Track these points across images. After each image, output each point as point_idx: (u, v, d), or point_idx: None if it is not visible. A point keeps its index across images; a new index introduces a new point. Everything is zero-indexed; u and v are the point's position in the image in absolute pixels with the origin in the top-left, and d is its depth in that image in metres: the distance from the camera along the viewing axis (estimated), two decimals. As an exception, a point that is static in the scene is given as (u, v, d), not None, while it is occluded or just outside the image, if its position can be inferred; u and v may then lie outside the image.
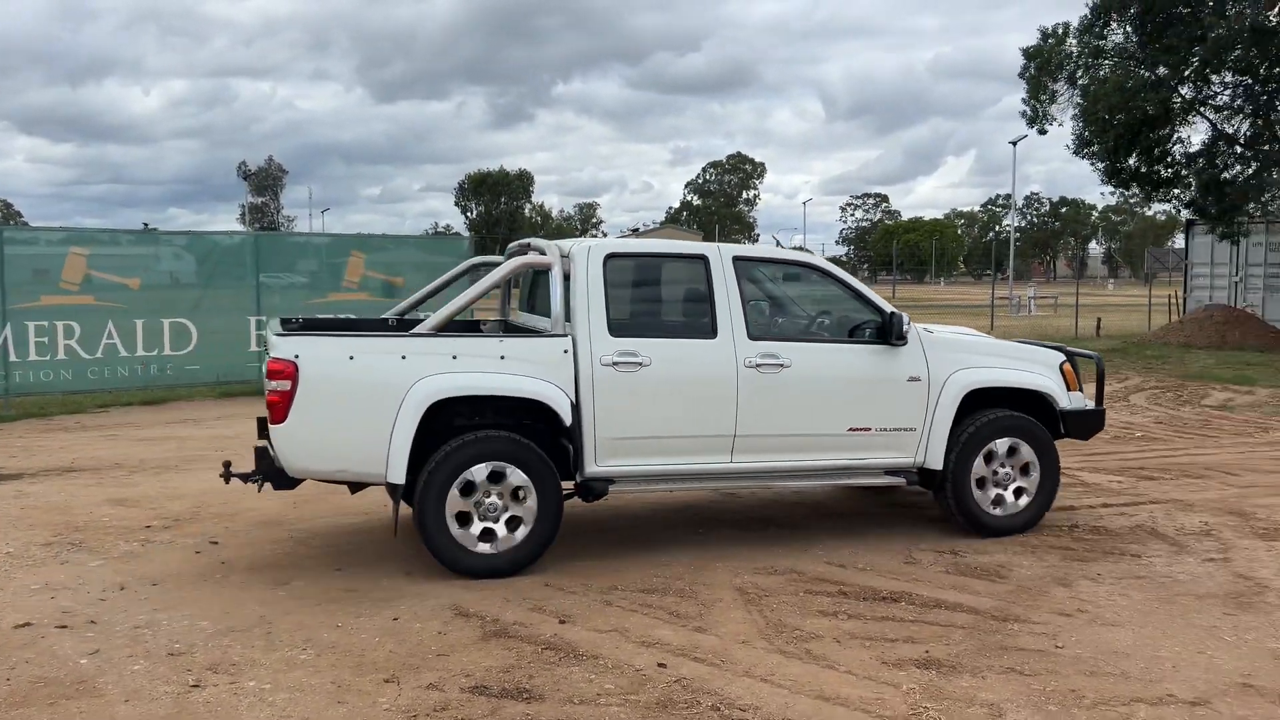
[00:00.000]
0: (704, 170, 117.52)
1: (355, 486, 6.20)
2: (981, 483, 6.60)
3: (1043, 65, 22.19)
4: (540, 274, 6.53)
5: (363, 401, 5.57)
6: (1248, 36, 18.91)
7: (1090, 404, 7.07)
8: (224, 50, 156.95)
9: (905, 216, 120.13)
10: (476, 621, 5.12)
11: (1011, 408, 6.72)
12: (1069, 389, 6.91)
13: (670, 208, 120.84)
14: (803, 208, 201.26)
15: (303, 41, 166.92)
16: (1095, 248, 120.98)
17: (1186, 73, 20.79)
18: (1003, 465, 6.65)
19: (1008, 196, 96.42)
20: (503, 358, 5.77)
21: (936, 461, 6.48)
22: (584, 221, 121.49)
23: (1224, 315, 22.83)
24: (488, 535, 5.75)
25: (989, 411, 6.61)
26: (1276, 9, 18.54)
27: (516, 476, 5.74)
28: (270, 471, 5.84)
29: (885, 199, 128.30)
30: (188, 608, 5.29)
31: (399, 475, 5.56)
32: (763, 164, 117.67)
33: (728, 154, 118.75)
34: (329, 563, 6.15)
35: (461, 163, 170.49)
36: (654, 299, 6.66)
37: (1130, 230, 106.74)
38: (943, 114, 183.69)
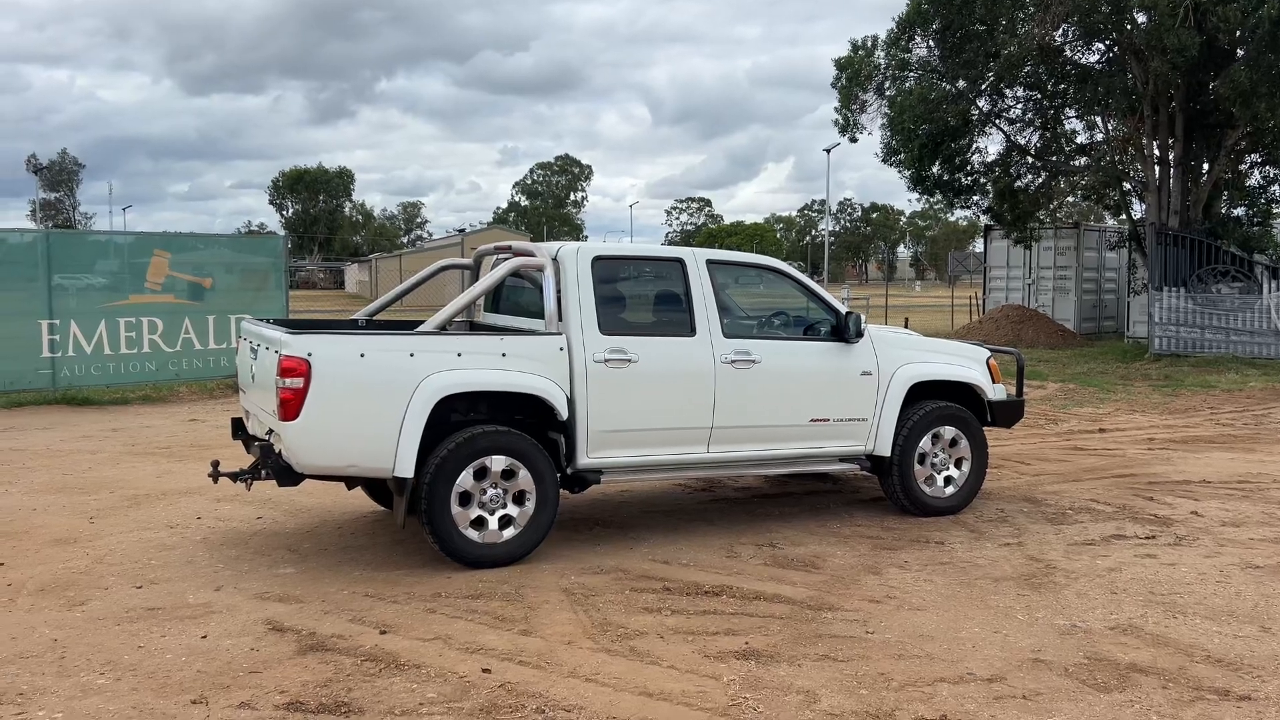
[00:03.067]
0: (532, 171, 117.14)
1: (352, 482, 6.50)
2: (923, 468, 7.27)
3: (853, 76, 23.18)
4: (512, 276, 6.89)
5: (374, 398, 5.74)
6: (1036, 54, 20.33)
7: (1011, 395, 7.87)
8: (12, 34, 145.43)
9: (728, 220, 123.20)
10: (292, 636, 4.93)
11: (947, 399, 7.39)
12: (994, 382, 7.64)
13: (498, 208, 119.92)
14: (629, 210, 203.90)
15: (104, 29, 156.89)
16: (904, 251, 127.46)
17: (983, 86, 22.16)
18: (941, 451, 7.34)
19: (823, 202, 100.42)
20: (504, 355, 6.04)
21: (885, 448, 7.09)
22: (408, 221, 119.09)
23: (1018, 314, 24.48)
24: (490, 525, 5.99)
25: (929, 403, 7.26)
26: (1060, 29, 20.00)
27: (518, 468, 6.02)
28: (276, 468, 5.86)
29: (709, 203, 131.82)
30: (-33, 636, 4.88)
31: (408, 469, 5.74)
32: (590, 166, 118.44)
33: (556, 155, 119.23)
34: (130, 580, 5.79)
35: (277, 159, 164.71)
36: (637, 299, 7.10)
37: (935, 235, 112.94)
38: (762, 121, 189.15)
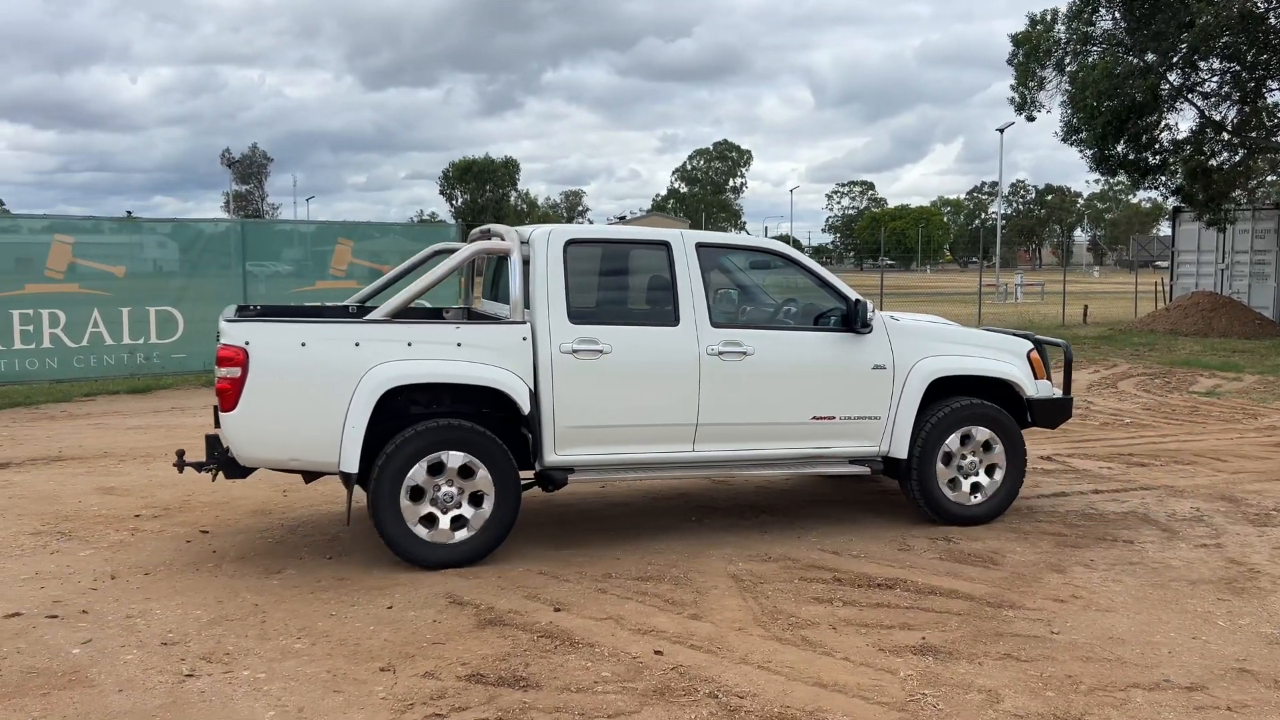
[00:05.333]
0: (691, 158, 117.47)
1: (309, 475, 6.13)
2: (947, 471, 6.57)
3: (1031, 52, 22.18)
4: (503, 260, 6.45)
5: (315, 389, 5.51)
6: (1236, 23, 18.94)
7: (1058, 392, 7.02)
8: (211, 37, 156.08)
9: (891, 204, 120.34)
10: (471, 610, 5.10)
11: (978, 396, 6.68)
12: (1036, 377, 6.84)
13: (657, 195, 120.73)
14: (789, 195, 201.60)
15: (291, 29, 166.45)
16: (1080, 235, 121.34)
17: (1174, 59, 20.81)
18: (969, 454, 6.61)
19: (994, 184, 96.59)
20: (459, 345, 5.70)
21: (901, 450, 6.44)
22: (570, 209, 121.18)
23: (1210, 302, 22.93)
24: (443, 524, 5.68)
25: (955, 400, 6.57)
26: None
27: (473, 465, 5.68)
28: (223, 460, 5.77)
29: (871, 186, 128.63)
30: (180, 597, 5.25)
31: (352, 464, 5.50)
32: (750, 151, 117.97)
33: (715, 141, 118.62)
34: (321, 551, 6.11)
35: (448, 150, 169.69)
36: (615, 286, 6.60)
37: (1115, 218, 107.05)
38: (930, 101, 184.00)
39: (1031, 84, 22.47)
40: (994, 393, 6.76)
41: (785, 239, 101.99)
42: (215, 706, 4.01)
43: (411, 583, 5.50)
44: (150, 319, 13.86)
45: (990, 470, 6.67)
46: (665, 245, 6.19)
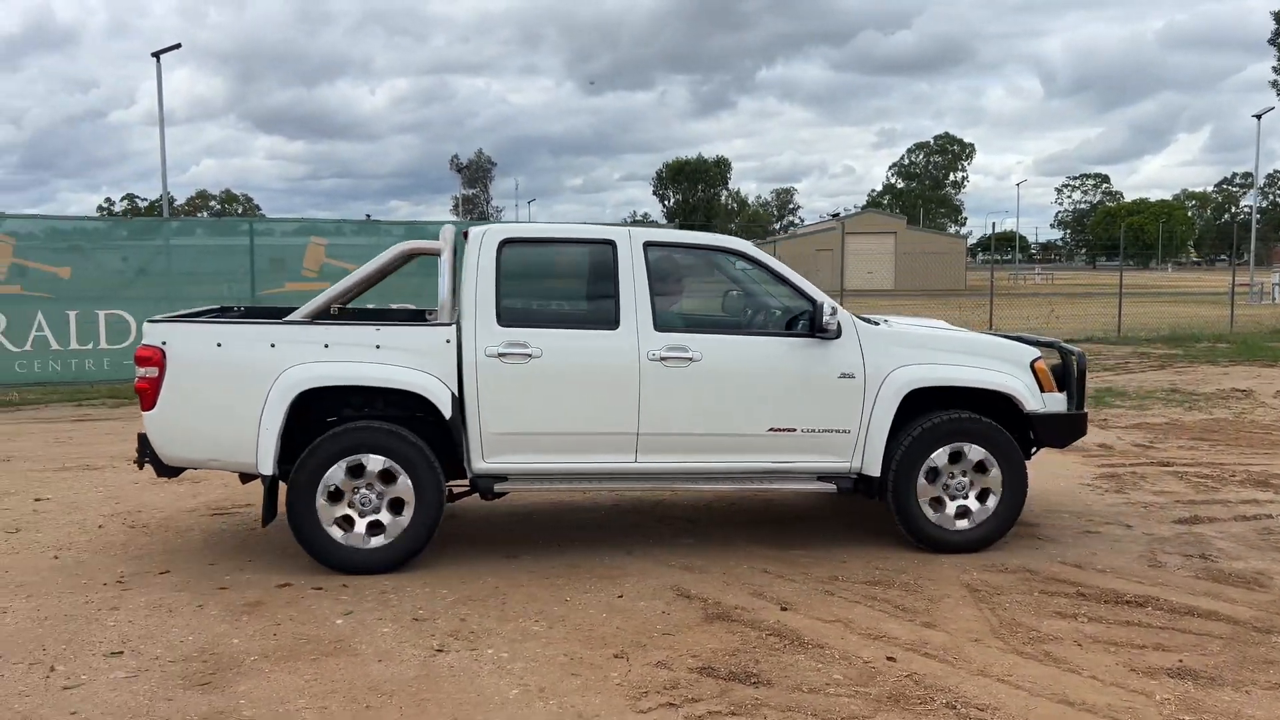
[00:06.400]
0: (909, 152, 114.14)
1: (245, 476, 6.03)
2: (930, 491, 5.94)
3: (1298, 29, 20.19)
4: None
5: (230, 390, 5.50)
6: None
7: (1065, 408, 6.20)
8: (443, 48, 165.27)
9: (1128, 198, 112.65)
10: (698, 603, 5.17)
11: (974, 410, 6.01)
12: (1044, 389, 6.10)
13: (872, 191, 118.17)
14: (1015, 190, 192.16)
15: (515, 38, 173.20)
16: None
17: None
18: (957, 473, 5.96)
19: (1248, 175, 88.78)
20: (378, 347, 5.58)
21: (874, 467, 5.87)
22: (780, 207, 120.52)
23: None
24: (359, 528, 5.58)
25: (942, 413, 5.94)
26: None
27: (394, 470, 5.55)
28: (153, 459, 5.73)
29: (1106, 179, 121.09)
30: (427, 576, 5.59)
31: (268, 466, 5.47)
32: (972, 145, 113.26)
33: (935, 135, 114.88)
34: (552, 538, 6.35)
35: (661, 151, 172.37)
36: (554, 287, 6.36)
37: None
38: (1174, 87, 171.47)
39: (1298, 64, 20.44)
40: (993, 407, 6.07)
41: (1010, 235, 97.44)
42: (464, 681, 4.25)
43: (640, 573, 5.63)
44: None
45: (983, 498, 5.99)
46: (610, 244, 5.88)
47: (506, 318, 5.68)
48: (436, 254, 5.96)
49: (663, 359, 5.70)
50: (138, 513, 6.97)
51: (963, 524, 5.97)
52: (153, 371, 5.50)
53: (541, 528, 6.63)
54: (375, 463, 5.53)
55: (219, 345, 5.54)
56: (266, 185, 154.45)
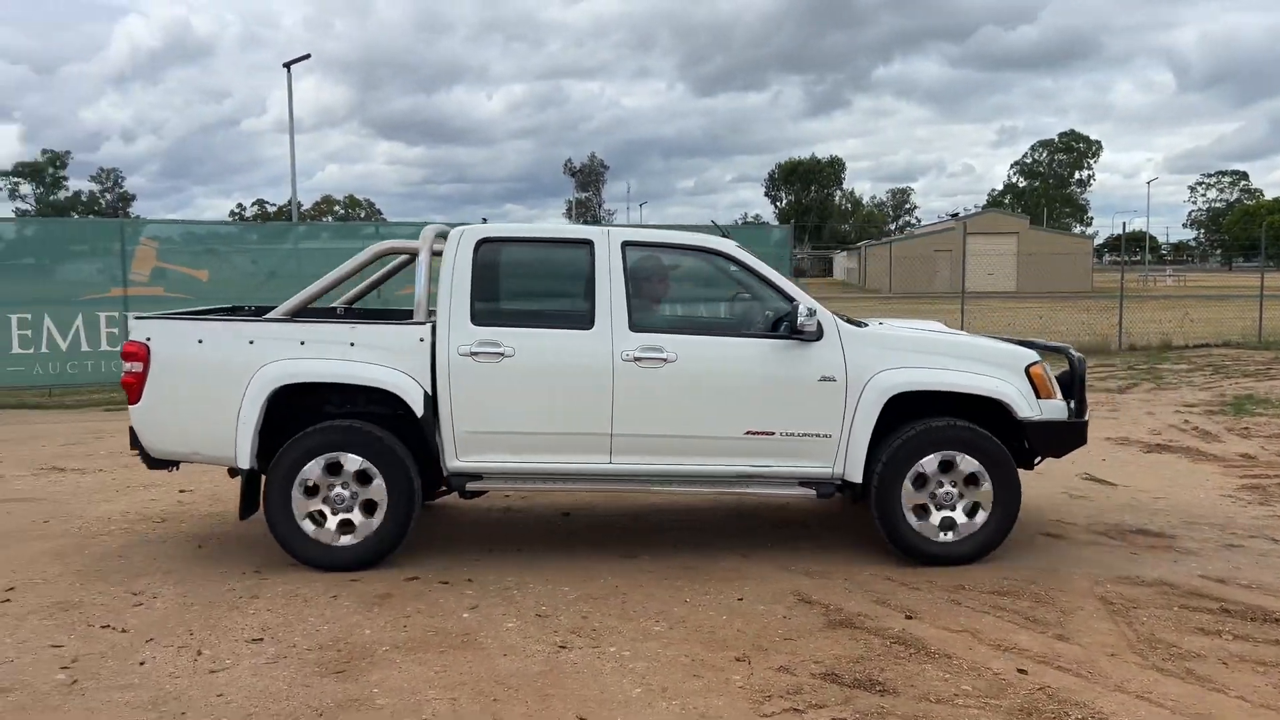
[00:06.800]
0: (1032, 150, 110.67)
1: (234, 470, 6.00)
2: (915, 499, 5.74)
3: None
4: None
5: (210, 385, 5.61)
6: None
7: (1065, 415, 5.89)
8: (557, 54, 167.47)
9: (1269, 195, 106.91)
10: (820, 609, 5.11)
11: (967, 417, 5.77)
12: (1040, 395, 5.81)
13: (992, 190, 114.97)
14: (1145, 188, 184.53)
15: (629, 41, 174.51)
16: None
17: None
18: (945, 482, 5.75)
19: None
20: (352, 345, 5.63)
21: (856, 473, 5.71)
22: (896, 207, 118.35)
23: None
24: (330, 525, 5.67)
25: (930, 419, 5.73)
26: None
27: (365, 467, 5.62)
28: (142, 452, 5.87)
29: (1244, 176, 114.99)
30: (548, 573, 5.68)
31: (246, 461, 5.58)
32: (1099, 142, 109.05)
33: (1059, 132, 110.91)
34: (668, 539, 6.37)
35: (773, 152, 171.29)
36: (531, 286, 6.32)
37: None
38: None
39: None
40: (985, 414, 5.81)
41: (1140, 236, 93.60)
42: (587, 678, 4.30)
43: (759, 577, 5.60)
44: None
45: (972, 513, 5.76)
46: (588, 244, 5.83)
47: (481, 317, 5.70)
48: (414, 253, 6.04)
49: (637, 359, 5.65)
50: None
51: (948, 536, 5.78)
52: (138, 366, 5.68)
53: (658, 528, 6.66)
54: (352, 462, 5.62)
55: (200, 342, 5.68)
56: (387, 190, 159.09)
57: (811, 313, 5.60)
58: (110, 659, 4.48)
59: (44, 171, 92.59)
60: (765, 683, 4.24)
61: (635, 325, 5.70)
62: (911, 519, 5.74)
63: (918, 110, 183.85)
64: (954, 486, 5.76)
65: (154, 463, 5.91)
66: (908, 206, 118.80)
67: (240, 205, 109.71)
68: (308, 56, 32.31)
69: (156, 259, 14.23)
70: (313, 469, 5.62)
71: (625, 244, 5.84)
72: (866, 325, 6.05)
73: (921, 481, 5.73)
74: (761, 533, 6.56)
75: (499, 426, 5.69)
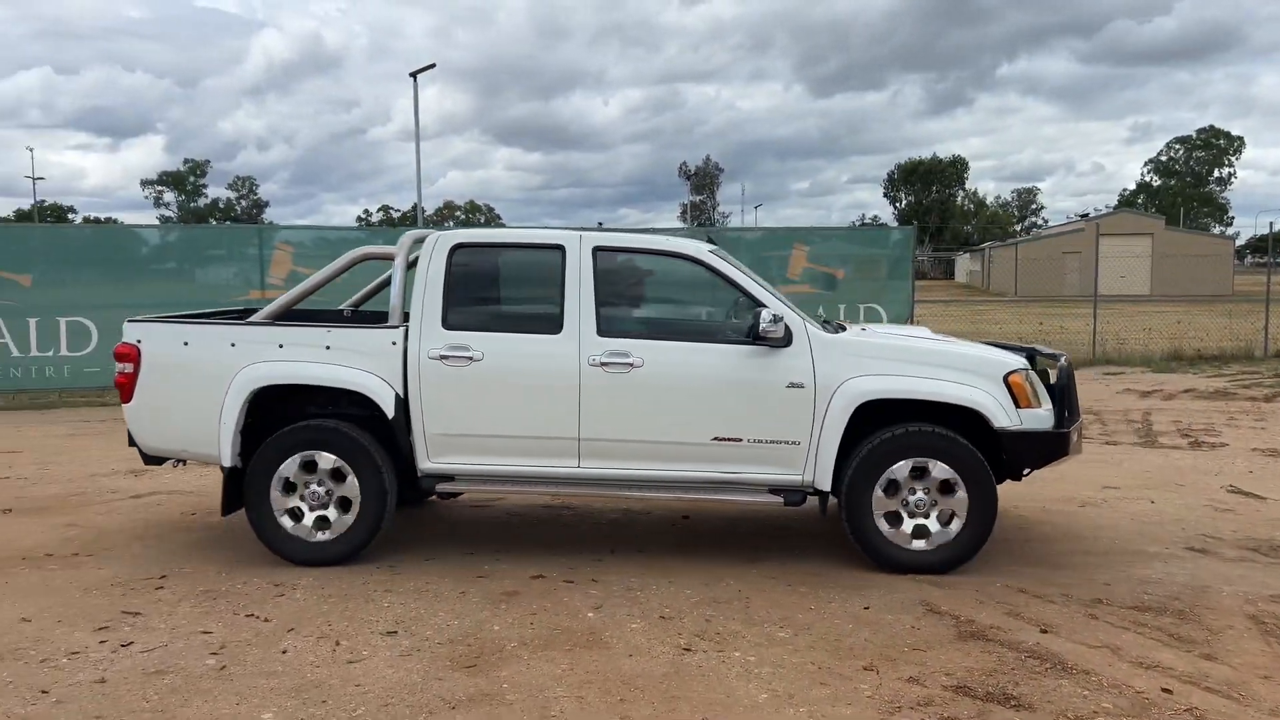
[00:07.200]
0: (1167, 147, 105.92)
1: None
2: (886, 507, 5.65)
3: None
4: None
5: (194, 386, 5.83)
6: None
7: (1048, 425, 5.67)
8: (674, 57, 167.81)
9: None
10: (950, 620, 5.00)
11: (947, 426, 5.63)
12: (1020, 405, 5.61)
13: (1124, 190, 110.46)
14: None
15: (745, 44, 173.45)
16: None
17: None
18: (918, 490, 5.64)
19: None
20: (328, 348, 5.78)
21: (825, 481, 5.65)
22: (1022, 208, 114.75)
23: None
24: (307, 521, 5.84)
25: (902, 426, 5.61)
26: None
27: (339, 465, 5.77)
28: (139, 449, 6.13)
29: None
30: (671, 576, 5.69)
31: (228, 459, 5.78)
32: (1241, 138, 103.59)
33: (1198, 128, 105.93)
34: (792, 545, 6.32)
35: (892, 153, 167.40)
36: (503, 291, 6.33)
37: None
38: None
39: None
40: (966, 423, 5.67)
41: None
42: (713, 682, 4.29)
43: (886, 586, 5.51)
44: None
45: (947, 521, 5.63)
46: (560, 249, 5.85)
47: (452, 321, 5.80)
48: (391, 259, 6.15)
49: (603, 364, 5.67)
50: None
51: (920, 544, 5.68)
52: (128, 367, 5.97)
53: (781, 534, 6.62)
54: (326, 460, 5.80)
55: (185, 344, 5.94)
56: (505, 195, 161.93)
57: (777, 319, 5.54)
58: (255, 646, 4.68)
59: (185, 180, 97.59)
60: (894, 693, 4.16)
61: (603, 330, 5.74)
62: (883, 525, 5.67)
63: (1045, 107, 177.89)
64: (927, 494, 5.66)
65: (149, 459, 6.20)
66: (1034, 207, 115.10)
67: (366, 211, 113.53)
68: (433, 66, 33.13)
69: (292, 263, 14.82)
70: (290, 466, 5.83)
71: (596, 249, 5.87)
72: (846, 331, 6.07)
73: (893, 488, 5.66)
74: (886, 540, 6.44)
75: (468, 429, 5.80)
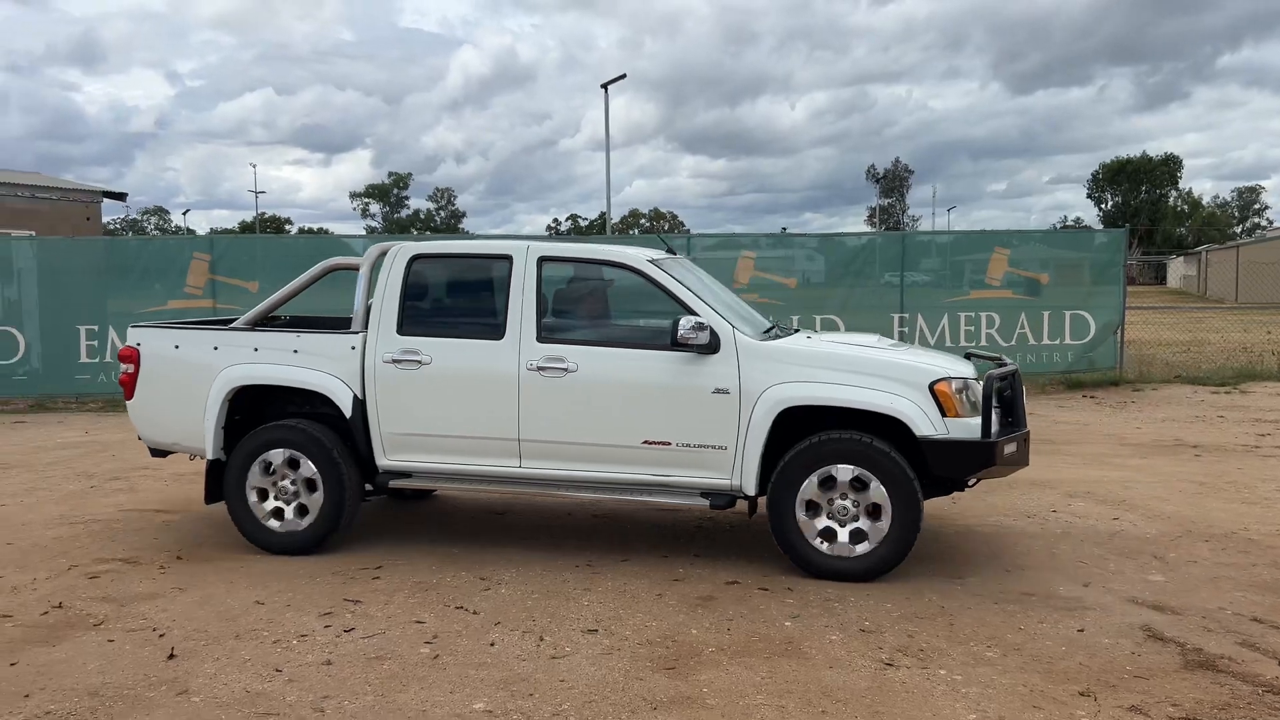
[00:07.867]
0: None
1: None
2: (813, 514, 5.70)
3: None
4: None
5: (183, 386, 6.41)
6: None
7: (976, 434, 5.54)
8: (863, 58, 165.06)
9: None
10: (1174, 648, 4.68)
11: (878, 435, 5.62)
12: (946, 414, 5.52)
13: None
14: None
15: (938, 42, 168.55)
16: None
17: None
18: (842, 496, 5.67)
19: None
20: (296, 351, 6.26)
21: (750, 485, 5.74)
22: (1243, 208, 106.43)
23: None
24: (289, 513, 6.29)
25: (824, 434, 5.64)
26: None
27: (305, 464, 6.22)
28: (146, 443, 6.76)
29: None
30: (870, 588, 5.57)
31: (212, 452, 6.34)
32: None
33: None
34: (998, 564, 6.07)
35: (1097, 151, 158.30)
36: (453, 300, 6.62)
37: None
38: None
39: None
40: (891, 430, 5.66)
41: None
42: (917, 699, 4.18)
43: (1102, 608, 5.22)
44: (814, 325, 14.98)
45: (873, 515, 5.63)
46: (508, 259, 6.15)
47: (406, 327, 6.18)
48: (357, 269, 6.52)
49: (540, 369, 5.93)
50: (599, 503, 7.64)
51: (841, 550, 5.69)
52: (130, 368, 6.59)
53: (984, 551, 6.37)
54: (289, 457, 6.26)
55: (177, 347, 6.52)
56: (690, 203, 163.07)
57: (700, 326, 5.65)
58: (465, 638, 4.89)
59: (389, 192, 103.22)
60: (1115, 722, 3.94)
61: (543, 336, 6.01)
62: (805, 532, 5.72)
63: (1271, 100, 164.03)
64: (847, 500, 5.68)
65: (154, 452, 6.85)
66: (1257, 207, 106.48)
67: (555, 220, 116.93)
68: (623, 77, 33.92)
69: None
70: (261, 462, 6.31)
71: (541, 259, 6.13)
72: (787, 338, 6.15)
73: (818, 494, 5.70)
74: (1103, 561, 6.10)
75: (418, 429, 6.16)
